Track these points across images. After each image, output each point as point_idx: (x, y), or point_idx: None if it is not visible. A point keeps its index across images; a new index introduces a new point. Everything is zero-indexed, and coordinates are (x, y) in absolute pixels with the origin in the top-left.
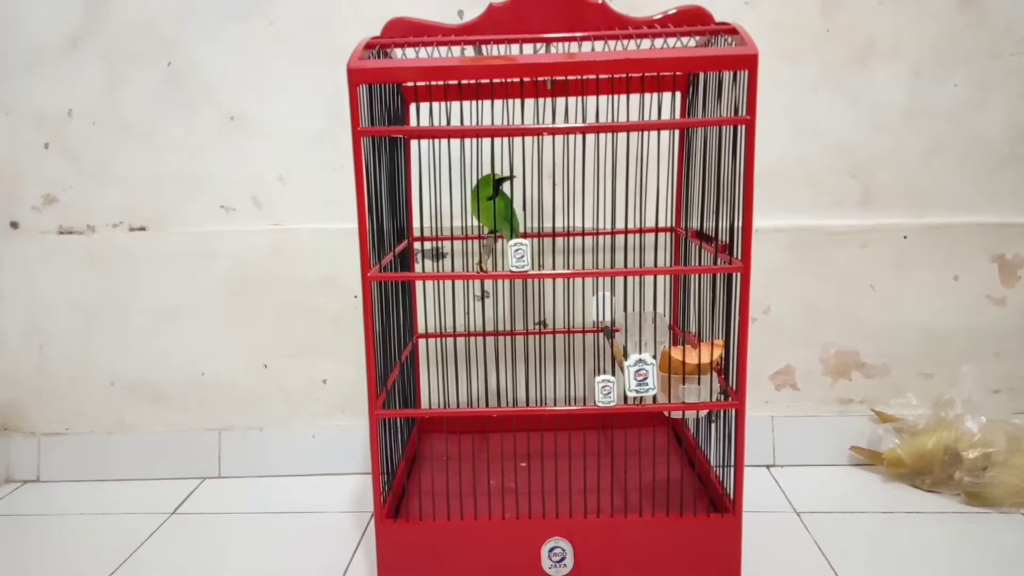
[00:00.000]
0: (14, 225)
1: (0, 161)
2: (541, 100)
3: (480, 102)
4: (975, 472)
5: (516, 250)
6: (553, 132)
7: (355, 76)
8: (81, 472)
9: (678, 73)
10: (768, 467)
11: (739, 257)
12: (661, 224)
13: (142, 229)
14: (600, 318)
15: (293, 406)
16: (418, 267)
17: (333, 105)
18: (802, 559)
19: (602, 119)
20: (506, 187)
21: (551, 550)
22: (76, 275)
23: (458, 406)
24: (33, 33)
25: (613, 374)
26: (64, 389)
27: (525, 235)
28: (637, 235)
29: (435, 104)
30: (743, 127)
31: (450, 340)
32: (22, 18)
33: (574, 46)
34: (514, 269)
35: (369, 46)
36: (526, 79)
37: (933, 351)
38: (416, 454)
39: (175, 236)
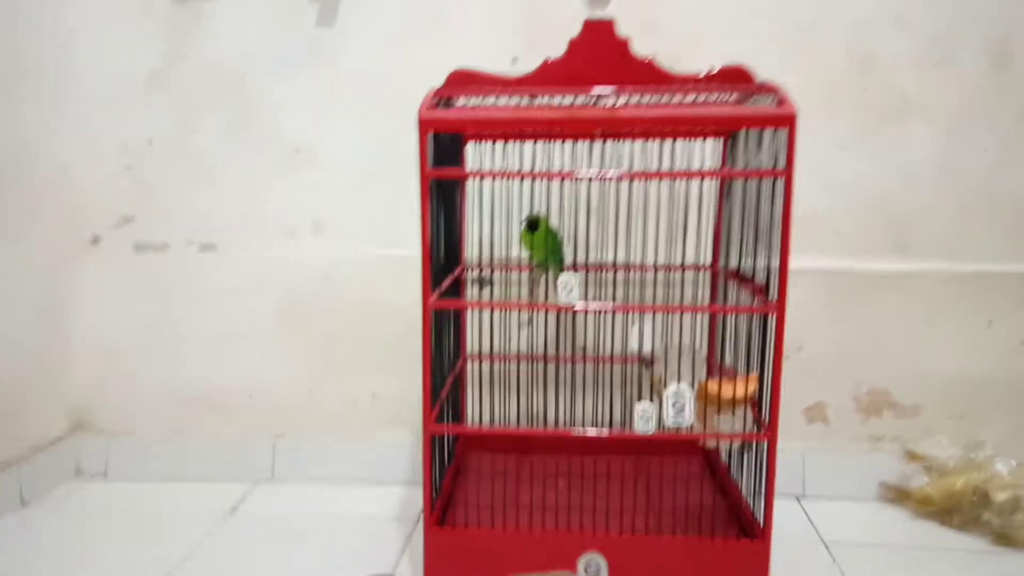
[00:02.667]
0: (95, 240)
1: (87, 184)
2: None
3: (531, 143)
4: (1004, 514)
5: (564, 285)
6: (603, 178)
7: (425, 125)
8: (144, 472)
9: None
10: (798, 498)
11: (775, 298)
12: (700, 263)
13: (211, 247)
14: (640, 348)
15: (343, 419)
16: (468, 294)
17: (385, 144)
18: None
19: (651, 163)
20: (554, 223)
21: (587, 563)
22: (147, 290)
23: (499, 426)
24: (120, 71)
25: (651, 402)
26: (131, 395)
27: (573, 268)
28: (676, 272)
29: (490, 144)
30: (782, 179)
31: (497, 363)
32: (110, 58)
33: (623, 99)
34: (563, 302)
35: (436, 95)
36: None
37: (965, 394)
38: (459, 468)
39: (241, 257)
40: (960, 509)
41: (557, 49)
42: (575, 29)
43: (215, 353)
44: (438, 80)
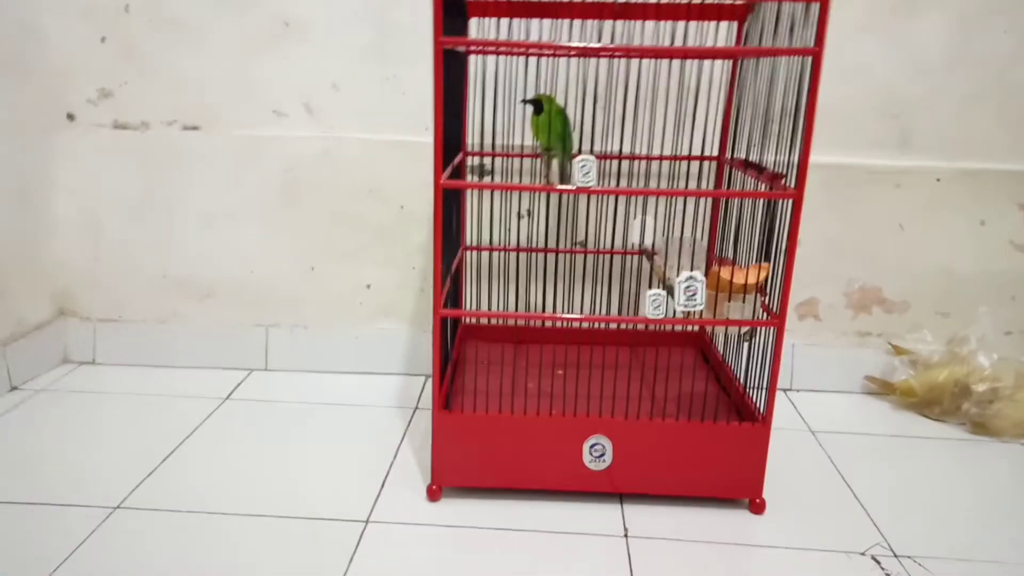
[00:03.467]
0: (70, 117)
1: (55, 53)
2: (599, 23)
3: (540, 21)
4: (982, 404)
5: (583, 166)
6: (613, 54)
7: None
8: (134, 358)
9: (739, 1)
10: (786, 391)
11: (794, 185)
12: (706, 153)
13: (195, 128)
14: (641, 241)
15: (338, 308)
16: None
17: (384, 16)
18: (816, 470)
19: (661, 44)
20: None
21: (592, 446)
22: (130, 170)
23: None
24: None
25: (664, 289)
26: (117, 279)
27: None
28: (681, 162)
29: (493, 20)
30: (804, 60)
31: (492, 255)
32: None
33: None
34: (580, 184)
35: None
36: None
37: (952, 291)
38: (458, 358)
39: (227, 137)
40: (941, 400)
41: None
42: None
43: (201, 238)
44: None
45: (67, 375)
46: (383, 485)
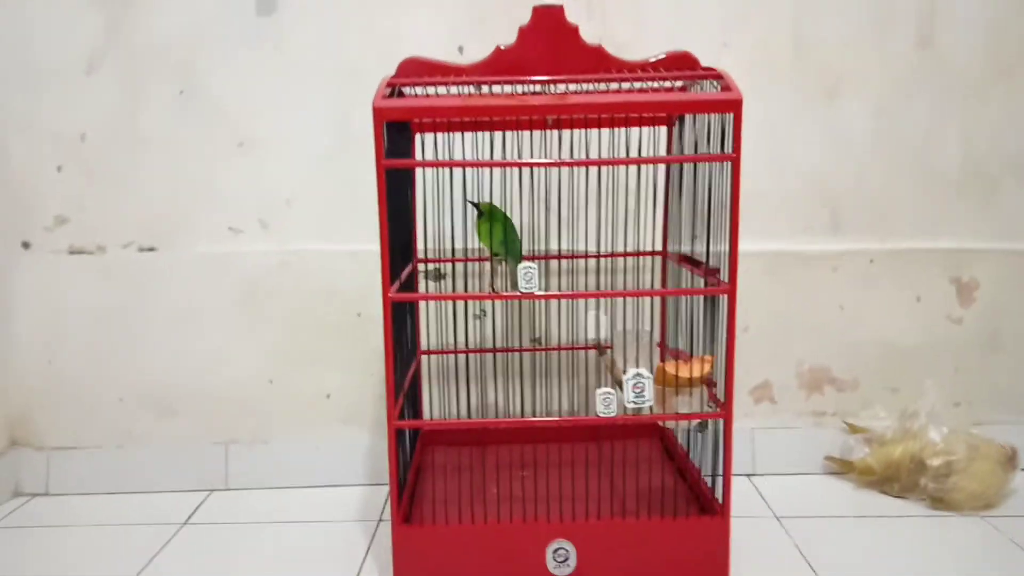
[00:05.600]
0: (26, 245)
1: (14, 181)
2: (540, 132)
3: (483, 133)
4: (939, 479)
5: (525, 273)
6: (548, 166)
7: (380, 114)
8: (90, 485)
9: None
10: (749, 476)
11: (726, 280)
12: (650, 248)
13: (151, 249)
14: (595, 336)
15: (298, 420)
16: (421, 288)
17: (336, 131)
18: (782, 558)
19: (593, 150)
20: (509, 214)
21: (555, 551)
22: (86, 293)
23: (461, 419)
24: (48, 54)
25: (612, 387)
26: (73, 404)
27: (529, 258)
28: (630, 258)
29: (439, 135)
30: (728, 163)
31: (451, 357)
32: (38, 38)
33: (572, 86)
34: (523, 290)
35: (389, 85)
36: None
37: (898, 366)
38: (420, 464)
39: (184, 256)
40: (899, 477)
41: (507, 31)
42: (525, 10)
43: (158, 357)
44: (385, 68)
45: (19, 508)
46: None
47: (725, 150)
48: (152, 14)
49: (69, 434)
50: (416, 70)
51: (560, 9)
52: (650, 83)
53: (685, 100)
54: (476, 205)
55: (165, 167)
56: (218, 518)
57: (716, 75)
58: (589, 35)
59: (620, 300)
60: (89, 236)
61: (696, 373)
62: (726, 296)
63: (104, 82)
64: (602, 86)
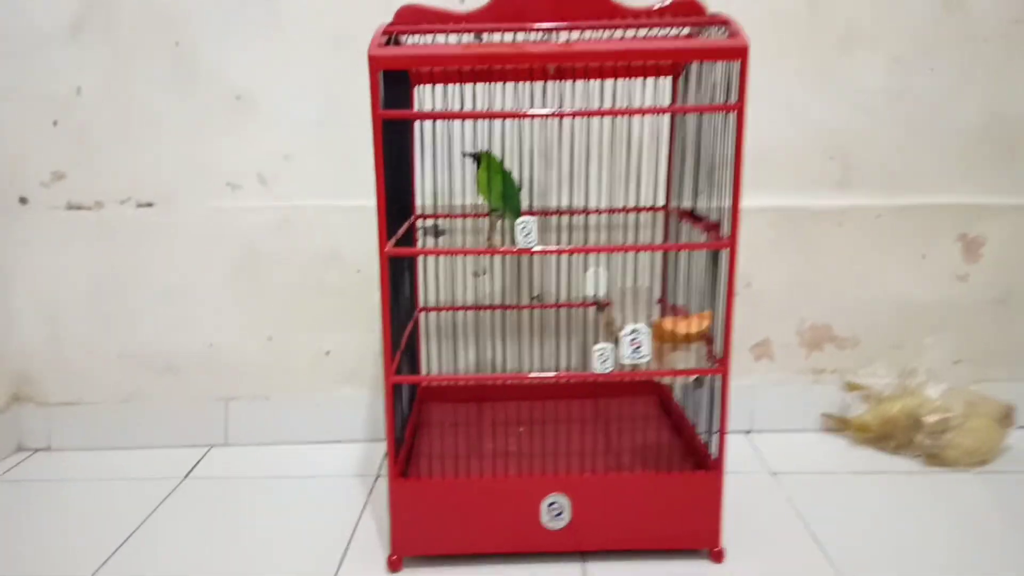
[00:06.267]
0: (23, 201)
1: (8, 139)
2: (542, 83)
3: (484, 84)
4: (934, 435)
5: (523, 227)
6: (546, 116)
7: (376, 62)
8: (92, 441)
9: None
10: (746, 432)
11: (727, 234)
12: (653, 203)
13: (149, 205)
14: (593, 293)
15: (298, 377)
16: (420, 244)
17: (334, 88)
18: (775, 512)
19: (597, 102)
20: (511, 167)
21: (550, 504)
22: (85, 250)
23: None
24: (38, 13)
25: (608, 343)
26: (74, 361)
27: (528, 213)
28: (630, 214)
29: (439, 86)
30: (733, 113)
31: (448, 314)
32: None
33: (575, 34)
34: (520, 245)
35: (385, 32)
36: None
37: (901, 324)
38: (418, 421)
39: (182, 212)
40: (895, 434)
41: None
42: None
43: (159, 313)
44: (383, 19)
45: (21, 463)
46: (343, 558)
47: (731, 101)
48: None
49: (71, 391)
50: (414, 17)
51: None
52: (655, 31)
53: (688, 47)
54: (474, 155)
55: (161, 124)
56: (218, 472)
57: (722, 21)
58: None
59: (620, 256)
60: (87, 192)
61: (694, 329)
62: (727, 250)
63: (96, 41)
64: (606, 34)
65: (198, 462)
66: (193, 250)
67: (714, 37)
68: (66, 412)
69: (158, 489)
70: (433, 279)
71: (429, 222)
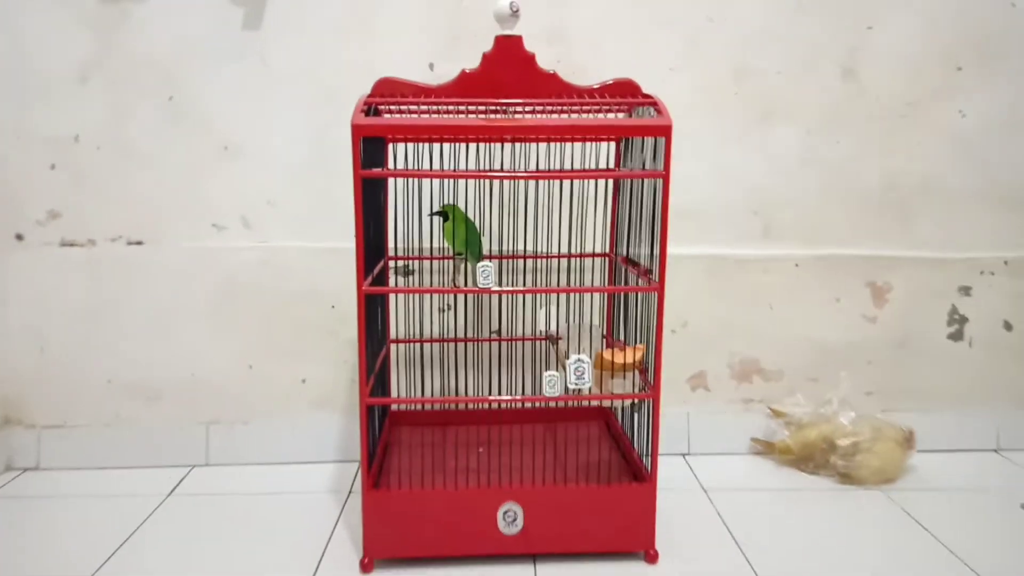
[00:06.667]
0: (19, 237)
1: (8, 178)
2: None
3: (449, 144)
4: (846, 457)
5: (482, 270)
6: (509, 177)
7: (358, 130)
8: (79, 462)
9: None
10: (684, 455)
11: (657, 280)
12: (600, 251)
13: (139, 243)
14: (547, 328)
15: (276, 403)
16: (391, 282)
17: (315, 140)
18: (706, 524)
19: (553, 162)
20: (471, 216)
21: (505, 512)
22: (76, 284)
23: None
24: (44, 63)
25: (557, 371)
26: (63, 386)
27: (488, 257)
28: (580, 259)
29: (410, 144)
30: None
31: (418, 345)
32: (33, 50)
33: (531, 109)
34: (480, 286)
35: (366, 104)
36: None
37: (818, 360)
38: (388, 442)
39: (170, 250)
40: (813, 456)
41: (472, 52)
42: (488, 34)
43: (145, 344)
44: (362, 80)
45: (10, 482)
46: (320, 562)
47: (658, 168)
48: (144, 26)
49: (59, 414)
50: (390, 89)
51: (519, 39)
52: (593, 112)
53: (623, 125)
54: (440, 213)
55: (153, 168)
56: (200, 490)
57: (652, 102)
58: (551, 58)
59: (574, 296)
60: (80, 230)
61: (630, 359)
62: (655, 293)
63: (96, 90)
64: (556, 111)
65: (181, 481)
66: (178, 286)
67: (646, 115)
68: (54, 434)
69: (143, 506)
70: (403, 314)
71: (400, 263)
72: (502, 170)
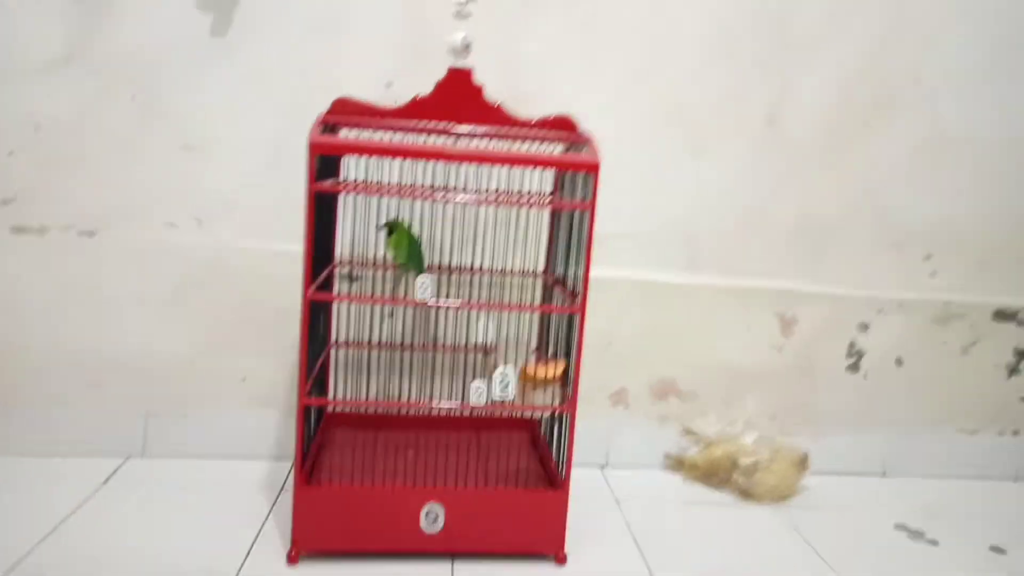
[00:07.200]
0: None
1: None
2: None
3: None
4: (747, 474)
5: (421, 284)
6: (455, 201)
7: (315, 148)
8: (15, 447)
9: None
10: (602, 467)
11: (579, 301)
12: (535, 270)
13: (91, 234)
14: (483, 339)
15: (216, 398)
16: (336, 288)
17: (273, 146)
18: (615, 531)
19: (495, 186)
20: (414, 231)
21: (427, 512)
22: (25, 270)
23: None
24: (13, 51)
25: (486, 381)
26: (4, 371)
27: (430, 268)
28: (516, 277)
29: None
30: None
31: (355, 350)
32: (5, 37)
33: (476, 138)
34: (419, 298)
35: (323, 122)
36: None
37: (730, 383)
38: (322, 442)
39: (121, 243)
40: (718, 472)
41: (428, 73)
42: (445, 58)
43: (90, 332)
44: (322, 91)
45: None
46: (248, 553)
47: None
48: (115, 25)
49: None
50: (346, 108)
51: (469, 72)
52: (534, 143)
53: (556, 159)
54: (387, 227)
55: (112, 162)
56: (135, 480)
57: (585, 140)
58: (500, 87)
59: (509, 312)
60: (33, 217)
61: (550, 374)
62: (577, 314)
63: (62, 82)
64: (498, 141)
65: (116, 470)
66: (128, 278)
67: (579, 151)
68: None
69: (77, 493)
70: (345, 319)
71: (345, 269)
72: (446, 191)
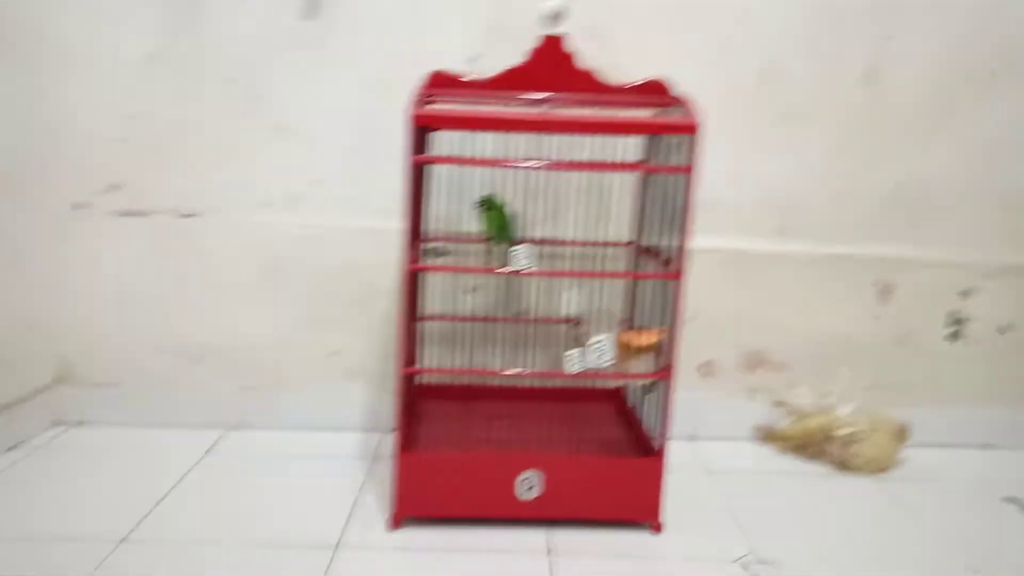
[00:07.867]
0: (82, 206)
1: (77, 151)
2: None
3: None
4: (843, 446)
5: (517, 254)
6: (545, 168)
7: (417, 120)
8: (122, 420)
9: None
10: (691, 439)
11: (677, 269)
12: (623, 240)
13: (191, 216)
14: (571, 311)
15: (310, 372)
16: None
17: (362, 125)
18: (708, 502)
19: (586, 153)
20: (511, 200)
21: (523, 479)
22: (131, 252)
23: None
24: (116, 46)
25: (580, 350)
26: (112, 349)
27: (522, 241)
28: (604, 248)
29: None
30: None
31: (447, 323)
32: (107, 32)
33: (574, 105)
34: (515, 268)
35: (420, 94)
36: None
37: (823, 354)
38: (413, 413)
39: (220, 224)
40: (812, 444)
41: (511, 48)
42: (527, 32)
43: (191, 310)
44: (409, 71)
45: (58, 436)
46: (348, 519)
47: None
48: (209, 15)
49: (106, 375)
50: (442, 82)
51: (559, 39)
52: (624, 108)
53: (652, 122)
54: (483, 202)
55: (210, 147)
56: (235, 451)
57: (681, 102)
58: (595, 57)
59: (597, 282)
60: (138, 201)
61: (647, 341)
62: (675, 281)
63: (166, 73)
64: (592, 107)
65: (217, 442)
66: (226, 257)
67: (675, 114)
68: (101, 393)
69: (182, 464)
70: (434, 293)
71: (440, 244)
72: (540, 160)
